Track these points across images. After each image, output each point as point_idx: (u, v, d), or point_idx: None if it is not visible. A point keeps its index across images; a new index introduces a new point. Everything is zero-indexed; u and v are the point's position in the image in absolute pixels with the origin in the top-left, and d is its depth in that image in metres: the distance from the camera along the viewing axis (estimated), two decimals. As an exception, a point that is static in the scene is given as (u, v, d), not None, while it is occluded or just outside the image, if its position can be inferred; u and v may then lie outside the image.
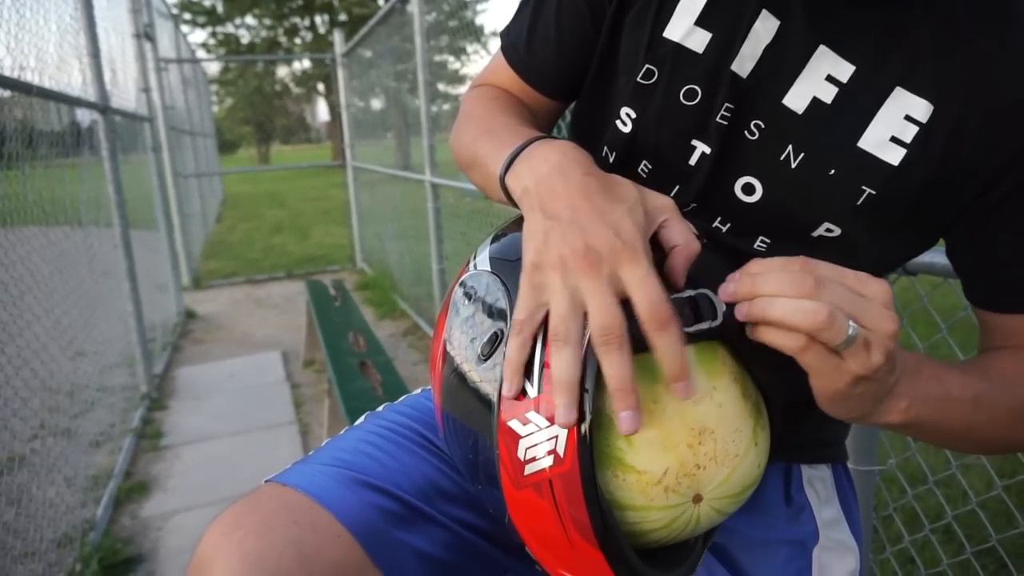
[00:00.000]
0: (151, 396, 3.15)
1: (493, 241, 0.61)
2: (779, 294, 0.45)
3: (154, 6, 4.89)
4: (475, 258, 0.60)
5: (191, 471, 2.51)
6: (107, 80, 2.94)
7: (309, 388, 3.28)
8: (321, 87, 26.32)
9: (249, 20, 24.15)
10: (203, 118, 10.07)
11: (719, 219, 0.66)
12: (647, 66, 0.65)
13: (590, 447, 0.47)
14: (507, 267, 0.55)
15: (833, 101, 0.60)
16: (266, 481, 0.67)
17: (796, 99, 0.61)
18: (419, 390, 0.85)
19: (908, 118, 0.59)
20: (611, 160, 0.70)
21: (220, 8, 23.19)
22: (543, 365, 0.49)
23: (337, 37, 5.90)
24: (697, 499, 0.49)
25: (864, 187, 0.60)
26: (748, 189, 0.64)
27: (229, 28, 24.29)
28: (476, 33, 3.72)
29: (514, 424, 0.49)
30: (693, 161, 0.65)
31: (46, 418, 2.14)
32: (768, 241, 0.65)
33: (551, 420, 0.47)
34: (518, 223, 0.59)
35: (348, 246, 6.51)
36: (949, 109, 0.58)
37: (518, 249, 0.53)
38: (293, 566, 0.57)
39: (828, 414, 0.53)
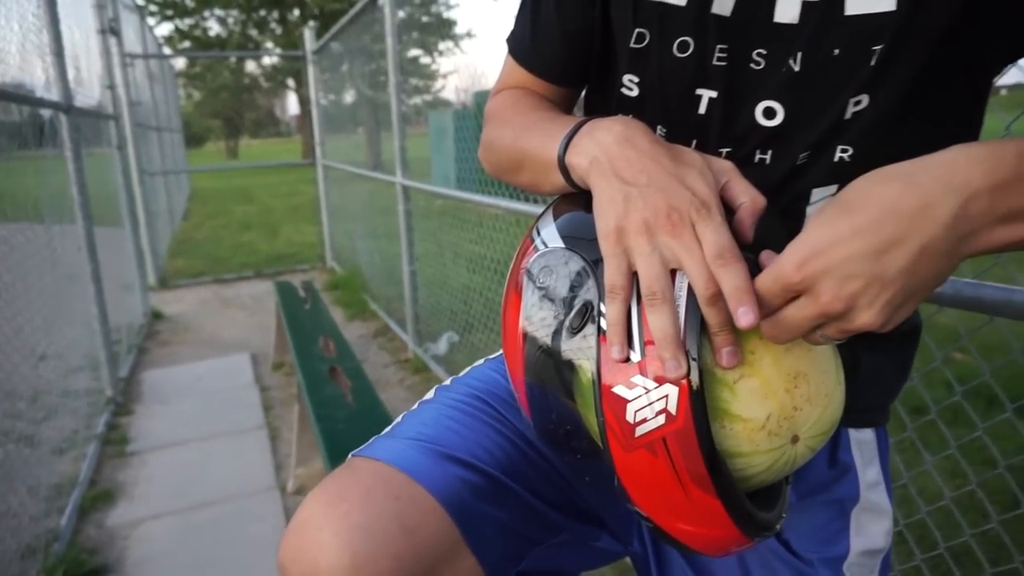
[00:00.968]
0: (116, 400, 3.09)
1: (555, 219, 0.62)
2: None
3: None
4: (539, 236, 0.61)
5: (158, 478, 2.48)
6: (71, 78, 2.88)
7: (278, 391, 3.25)
8: (291, 82, 26.01)
9: (218, 11, 23.75)
10: (170, 113, 9.90)
11: (758, 151, 0.66)
12: (637, 30, 0.67)
13: (703, 400, 0.49)
14: (582, 243, 0.57)
15: None
16: (353, 455, 0.69)
17: (787, 10, 0.61)
18: (482, 360, 0.86)
19: None
20: None
21: (189, 0, 22.77)
22: (641, 328, 0.51)
23: (308, 35, 5.85)
24: (795, 440, 0.53)
25: (874, 47, 0.59)
26: (769, 113, 0.65)
27: (197, 20, 23.87)
28: (448, 26, 3.70)
29: (619, 390, 0.51)
30: (703, 110, 0.67)
31: (6, 425, 2.09)
32: (808, 152, 0.65)
33: (658, 381, 0.50)
34: (571, 199, 0.62)
35: (318, 244, 6.46)
36: None
37: (591, 224, 0.55)
38: (398, 540, 0.59)
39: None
